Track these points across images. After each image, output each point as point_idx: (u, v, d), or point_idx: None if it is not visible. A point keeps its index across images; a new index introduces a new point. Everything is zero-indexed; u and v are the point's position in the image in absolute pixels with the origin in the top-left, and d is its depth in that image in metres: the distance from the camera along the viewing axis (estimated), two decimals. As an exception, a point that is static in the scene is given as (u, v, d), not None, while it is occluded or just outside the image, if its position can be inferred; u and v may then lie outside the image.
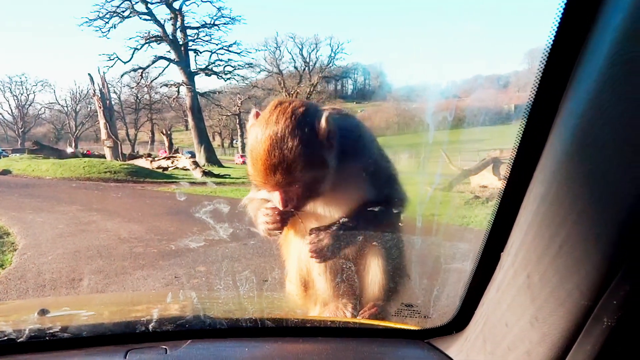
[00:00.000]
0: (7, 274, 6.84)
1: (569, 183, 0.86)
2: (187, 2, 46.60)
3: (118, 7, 43.75)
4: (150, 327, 1.46)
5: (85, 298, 2.85)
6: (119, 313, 1.87)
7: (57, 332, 1.41)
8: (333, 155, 1.75)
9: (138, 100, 62.48)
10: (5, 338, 1.36)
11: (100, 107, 38.87)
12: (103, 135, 40.33)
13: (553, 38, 0.91)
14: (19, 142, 65.99)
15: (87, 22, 43.67)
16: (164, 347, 1.39)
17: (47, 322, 1.52)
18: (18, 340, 1.36)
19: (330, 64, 57.00)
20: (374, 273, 1.90)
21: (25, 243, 8.95)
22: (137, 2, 44.30)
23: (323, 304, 1.95)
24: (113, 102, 43.93)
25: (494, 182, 11.98)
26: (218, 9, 47.44)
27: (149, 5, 45.05)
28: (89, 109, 66.49)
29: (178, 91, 49.71)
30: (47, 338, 1.39)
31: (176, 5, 45.96)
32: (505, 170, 1.10)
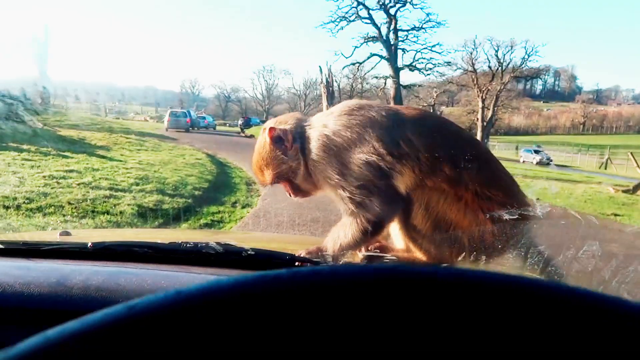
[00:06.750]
0: (255, 212, 7.71)
1: None
2: (402, 9, 46.29)
3: (346, 13, 45.41)
4: None
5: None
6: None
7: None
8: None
9: (352, 89, 64.64)
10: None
11: (324, 93, 40.82)
12: (324, 115, 42.78)
13: None
14: (264, 116, 73.70)
15: (322, 24, 46.12)
16: None
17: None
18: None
19: (523, 65, 51.29)
20: None
21: (266, 191, 9.70)
22: (361, 9, 45.54)
23: None
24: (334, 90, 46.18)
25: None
26: (427, 14, 46.23)
27: (370, 11, 46.12)
28: (315, 93, 71.36)
29: (385, 83, 50.08)
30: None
31: (392, 11, 46.12)
32: None
